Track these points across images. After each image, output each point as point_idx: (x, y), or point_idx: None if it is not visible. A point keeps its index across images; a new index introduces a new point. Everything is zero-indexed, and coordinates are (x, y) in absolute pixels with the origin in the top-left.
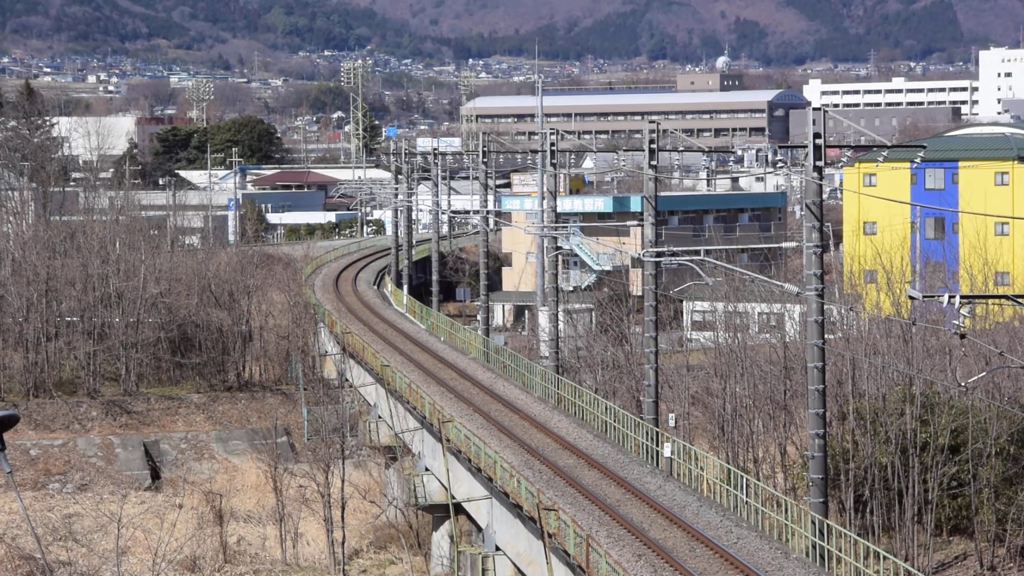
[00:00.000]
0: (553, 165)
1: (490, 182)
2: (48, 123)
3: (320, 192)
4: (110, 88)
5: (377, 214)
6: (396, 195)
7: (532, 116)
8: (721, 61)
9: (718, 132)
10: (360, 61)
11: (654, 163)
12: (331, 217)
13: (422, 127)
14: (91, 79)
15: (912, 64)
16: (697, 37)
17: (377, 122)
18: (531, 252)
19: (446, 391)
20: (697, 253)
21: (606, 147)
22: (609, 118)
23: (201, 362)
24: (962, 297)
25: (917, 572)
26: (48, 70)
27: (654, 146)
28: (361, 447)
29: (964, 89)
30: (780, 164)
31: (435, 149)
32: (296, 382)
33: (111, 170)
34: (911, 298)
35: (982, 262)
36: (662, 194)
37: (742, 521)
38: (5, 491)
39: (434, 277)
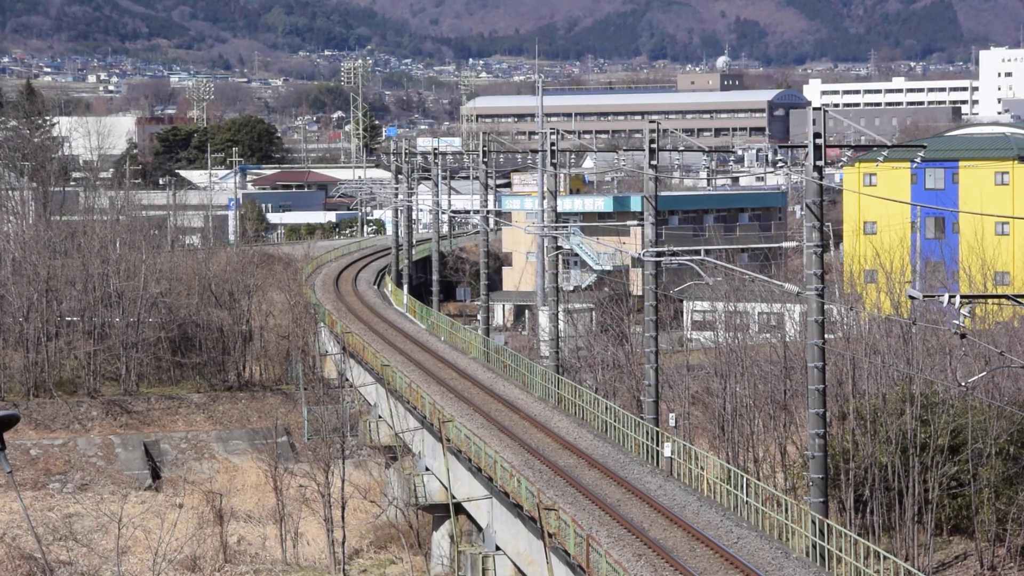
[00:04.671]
0: (553, 165)
1: (490, 182)
2: (48, 123)
3: (320, 192)
4: (110, 88)
5: (377, 214)
6: (396, 195)
7: (532, 116)
8: (721, 61)
9: (718, 132)
10: (360, 61)
11: (654, 163)
12: (331, 217)
13: (422, 127)
14: (91, 79)
15: (912, 64)
16: (697, 37)
17: (377, 122)
18: (531, 252)
19: (446, 391)
20: (697, 253)
21: (606, 147)
22: (609, 118)
23: (201, 362)
24: (962, 297)
25: (917, 572)
26: (48, 70)
27: (654, 146)
28: (361, 447)
29: (964, 89)
30: (780, 164)
31: (435, 149)
32: (296, 382)
33: (111, 170)
34: (911, 298)
35: (981, 262)
36: (662, 194)
37: (742, 521)
38: (5, 491)
39: (434, 277)
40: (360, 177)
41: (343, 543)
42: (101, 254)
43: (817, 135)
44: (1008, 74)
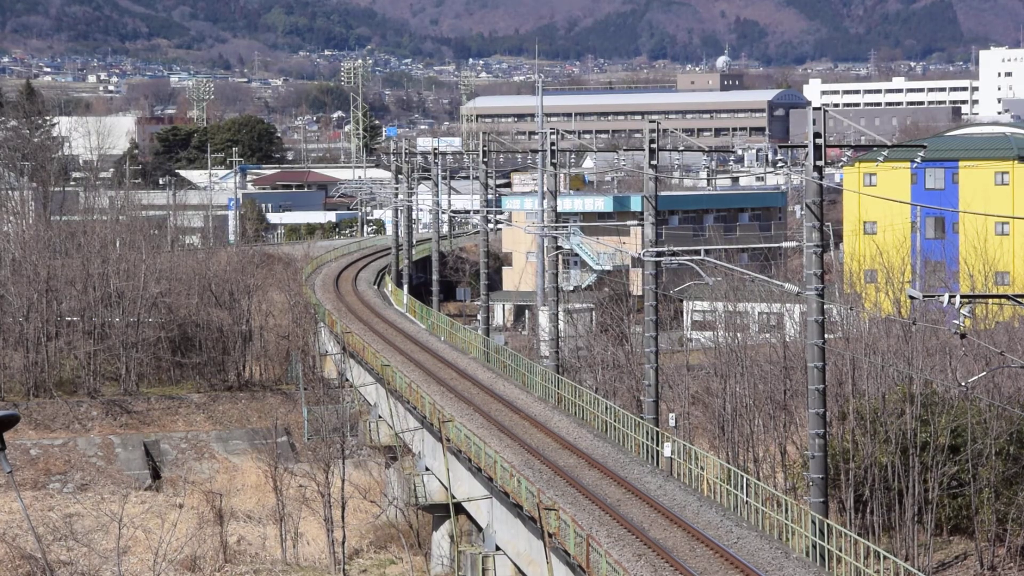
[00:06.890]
0: (553, 165)
1: (490, 182)
2: (48, 123)
3: (320, 192)
4: (110, 88)
5: (377, 214)
6: (396, 195)
7: (532, 116)
8: (721, 61)
9: (718, 132)
10: (360, 61)
11: (654, 163)
12: (331, 217)
13: (422, 127)
14: (91, 79)
15: (912, 64)
16: (697, 37)
17: (377, 122)
18: (531, 252)
19: (446, 391)
20: (697, 253)
21: (606, 147)
22: (609, 118)
23: (201, 362)
24: (962, 297)
25: (917, 572)
26: (48, 70)
27: (654, 146)
28: (361, 447)
29: (964, 89)
30: (780, 164)
31: (435, 149)
32: (296, 382)
33: (111, 170)
34: (911, 298)
35: (982, 262)
36: (662, 194)
37: (742, 521)
38: (5, 491)
39: (434, 277)
40: (360, 177)
41: (343, 543)
42: (101, 254)
43: (817, 135)
44: (1008, 74)
